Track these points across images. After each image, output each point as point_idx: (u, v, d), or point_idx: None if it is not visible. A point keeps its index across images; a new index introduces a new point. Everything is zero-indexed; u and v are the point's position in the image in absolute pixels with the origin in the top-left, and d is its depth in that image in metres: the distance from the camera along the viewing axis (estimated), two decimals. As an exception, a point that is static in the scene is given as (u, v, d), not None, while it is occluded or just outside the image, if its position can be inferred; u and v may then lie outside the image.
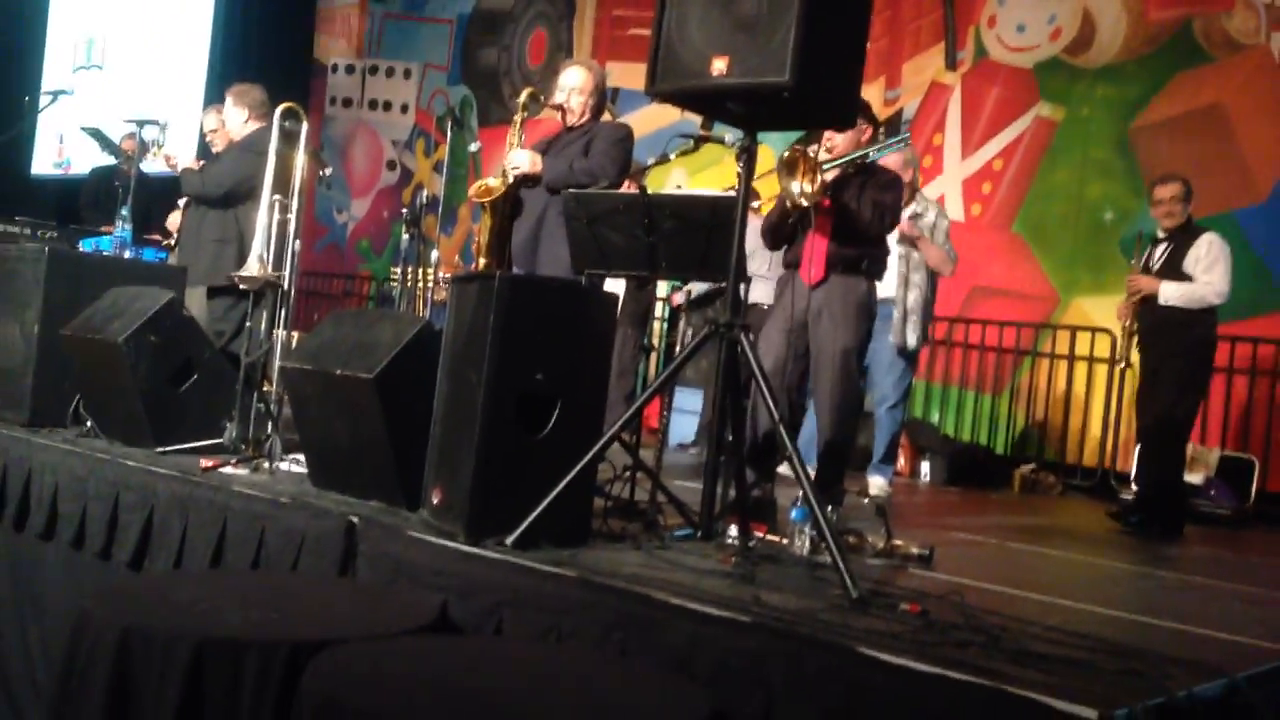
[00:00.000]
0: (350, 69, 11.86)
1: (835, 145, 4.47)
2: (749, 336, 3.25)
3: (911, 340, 5.79)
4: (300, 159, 4.33)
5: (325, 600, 2.90)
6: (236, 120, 5.55)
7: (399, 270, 4.96)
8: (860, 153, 4.45)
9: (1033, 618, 2.88)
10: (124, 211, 5.58)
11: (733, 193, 3.61)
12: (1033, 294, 7.77)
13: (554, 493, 3.12)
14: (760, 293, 5.74)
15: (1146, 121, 7.48)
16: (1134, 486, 6.06)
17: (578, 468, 3.17)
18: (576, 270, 3.82)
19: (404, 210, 4.97)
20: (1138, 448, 5.96)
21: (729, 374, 3.31)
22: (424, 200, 4.81)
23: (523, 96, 4.83)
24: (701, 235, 3.50)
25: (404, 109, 11.52)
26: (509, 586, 2.98)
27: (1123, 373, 6.93)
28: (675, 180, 8.25)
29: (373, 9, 11.82)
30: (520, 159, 4.66)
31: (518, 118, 4.79)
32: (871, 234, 4.43)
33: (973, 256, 7.91)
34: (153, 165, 6.47)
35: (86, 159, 12.51)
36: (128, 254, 5.56)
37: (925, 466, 7.06)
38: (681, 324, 5.50)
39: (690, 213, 3.52)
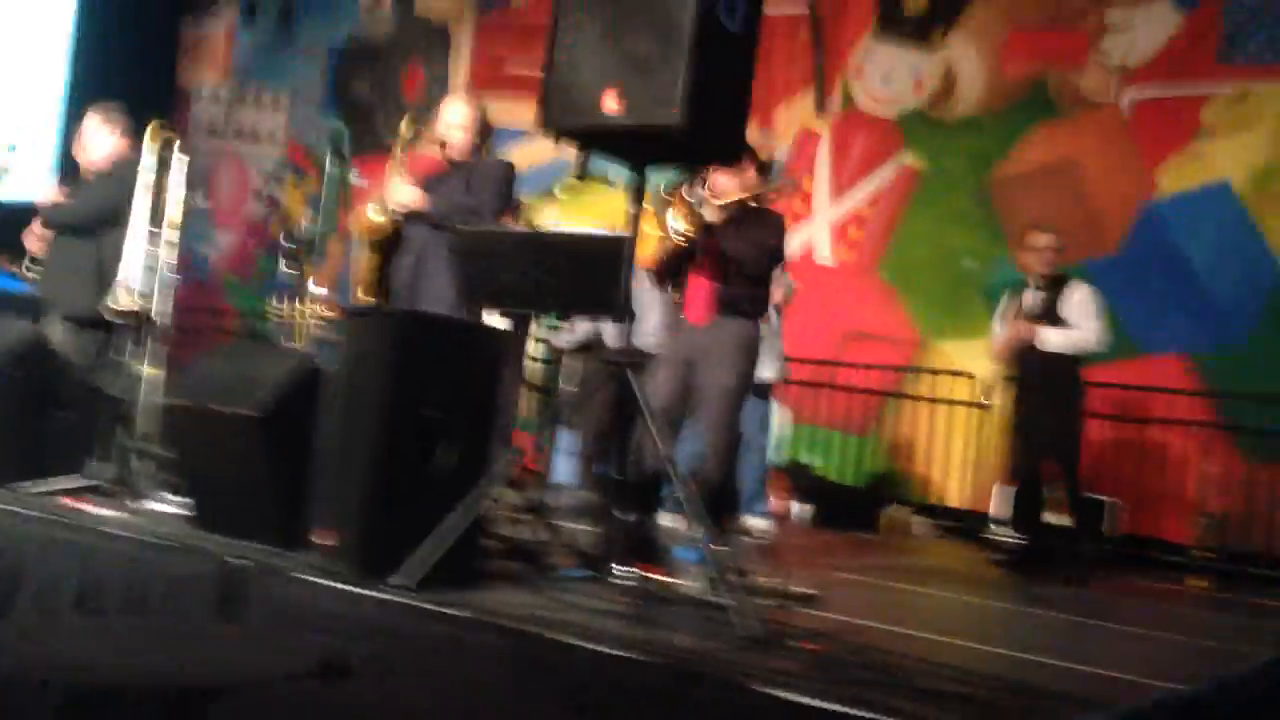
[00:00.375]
0: (217, 96, 11.59)
1: (718, 184, 4.51)
2: (638, 373, 3.26)
3: (767, 374, 5.87)
4: (178, 189, 4.19)
5: (207, 644, 2.79)
6: (102, 143, 5.32)
7: (275, 303, 4.81)
8: (746, 195, 4.51)
9: (925, 655, 2.95)
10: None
11: (616, 231, 3.63)
12: (899, 337, 8.00)
13: (446, 532, 3.08)
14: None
15: (1004, 173, 7.80)
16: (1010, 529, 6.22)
17: (466, 505, 3.13)
18: (464, 305, 3.78)
19: (284, 243, 4.83)
20: (1012, 489, 6.07)
21: (619, 408, 3.32)
22: (307, 231, 4.68)
23: (402, 128, 4.74)
24: (591, 273, 3.51)
25: (272, 138, 11.29)
26: (401, 628, 2.92)
27: (981, 413, 7.24)
28: (548, 215, 8.26)
29: (241, 37, 11.58)
30: (403, 194, 4.59)
31: (398, 151, 4.70)
32: (755, 274, 4.48)
33: (843, 300, 8.13)
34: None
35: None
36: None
37: (797, 508, 7.18)
38: (563, 366, 5.49)
39: (580, 251, 3.53)
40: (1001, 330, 5.82)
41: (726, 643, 2.84)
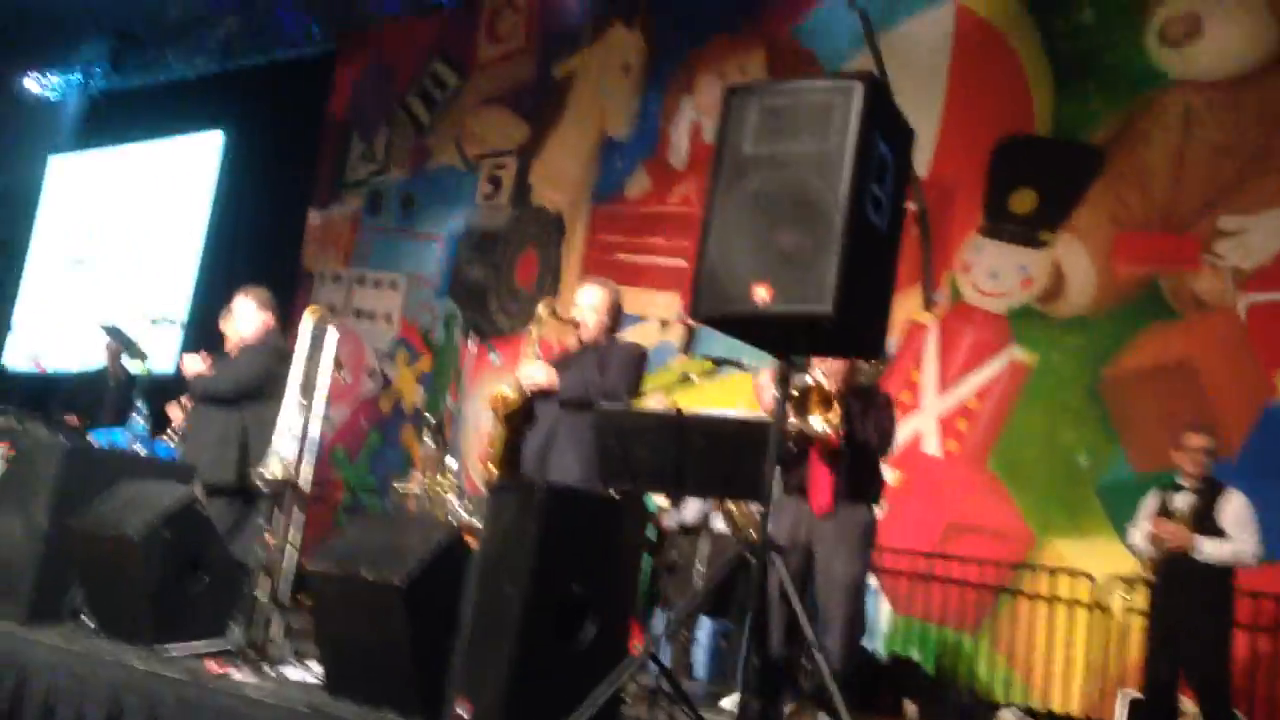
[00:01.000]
0: (338, 278, 12.14)
1: (829, 369, 4.59)
2: (782, 560, 3.30)
3: None
4: (327, 365, 4.41)
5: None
6: (253, 319, 5.64)
7: (406, 478, 4.97)
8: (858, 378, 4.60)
9: None
10: (140, 406, 5.60)
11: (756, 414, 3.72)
12: (1008, 533, 7.88)
13: (586, 708, 3.09)
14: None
15: (1117, 371, 7.79)
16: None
17: (610, 681, 3.15)
18: (600, 483, 3.87)
19: (428, 416, 5.02)
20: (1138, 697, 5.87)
21: (760, 594, 3.34)
22: (449, 408, 4.85)
23: (540, 309, 4.90)
24: (731, 455, 3.59)
25: (388, 319, 11.73)
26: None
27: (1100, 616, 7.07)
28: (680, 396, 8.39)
29: (365, 221, 12.20)
30: (536, 372, 4.75)
31: (534, 330, 4.88)
32: (877, 457, 4.54)
33: (949, 492, 8.07)
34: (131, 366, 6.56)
35: (60, 358, 12.59)
36: (140, 449, 5.55)
37: (911, 708, 6.99)
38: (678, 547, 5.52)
39: (721, 433, 3.62)
40: (1145, 529, 5.64)
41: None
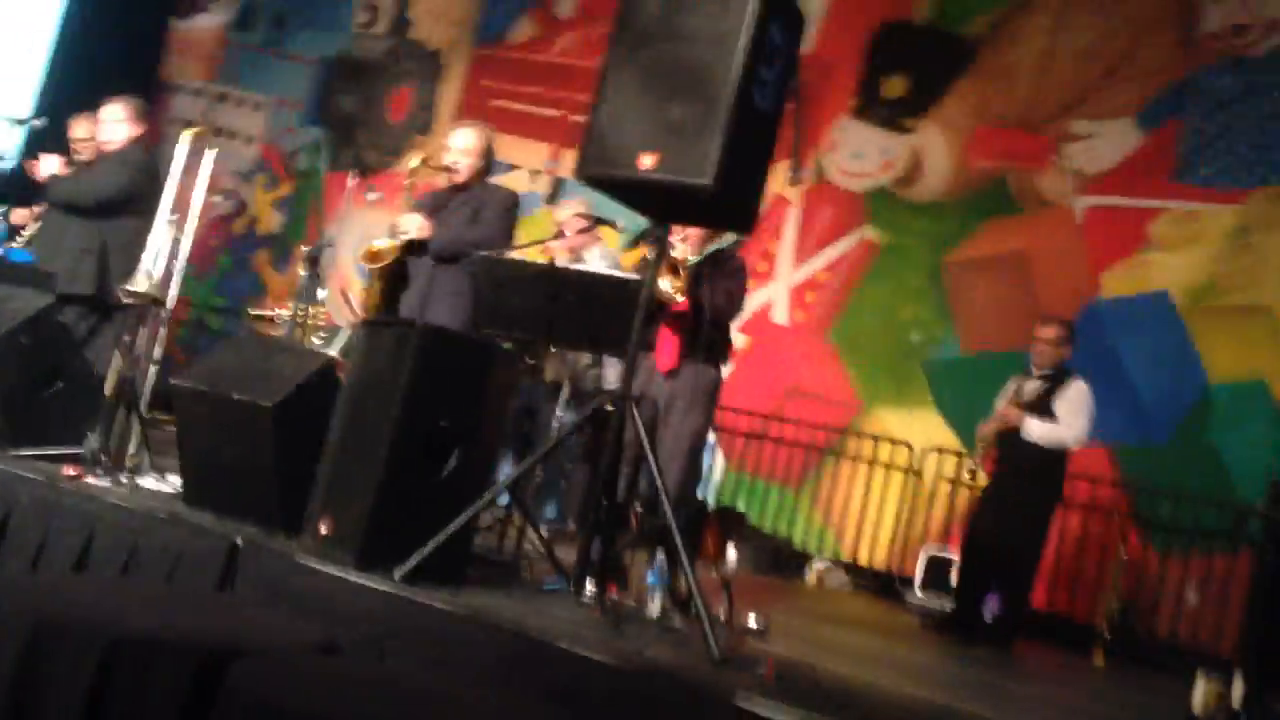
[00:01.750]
0: (198, 92, 11.72)
1: (688, 236, 4.77)
2: (642, 411, 3.54)
3: None
4: (203, 185, 4.39)
5: (227, 613, 2.98)
6: (121, 129, 5.50)
7: (293, 306, 5.00)
8: (714, 247, 4.80)
9: (864, 691, 3.24)
10: None
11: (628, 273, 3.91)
12: (840, 399, 8.34)
13: (447, 532, 3.31)
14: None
15: (958, 257, 8.22)
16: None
17: (471, 510, 3.37)
18: (474, 327, 4.02)
19: (306, 250, 5.02)
20: (957, 560, 6.36)
21: (616, 441, 3.58)
22: (326, 241, 4.88)
23: (414, 162, 4.91)
24: (601, 311, 3.79)
25: (248, 139, 11.43)
26: (396, 617, 3.14)
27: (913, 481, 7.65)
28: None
29: (232, 37, 11.74)
30: (410, 224, 4.78)
31: (407, 182, 4.90)
32: (723, 321, 4.74)
33: (792, 359, 8.48)
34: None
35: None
36: (-1, 252, 5.43)
37: (732, 553, 7.42)
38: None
39: (595, 290, 3.80)
40: (996, 407, 5.94)
41: (697, 660, 3.10)
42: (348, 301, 6.12)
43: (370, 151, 10.51)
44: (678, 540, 3.39)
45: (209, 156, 4.46)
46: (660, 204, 3.62)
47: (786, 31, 3.54)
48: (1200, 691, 4.03)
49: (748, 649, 3.52)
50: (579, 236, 5.83)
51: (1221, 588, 6.66)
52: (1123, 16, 7.94)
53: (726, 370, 5.89)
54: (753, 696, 2.72)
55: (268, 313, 6.88)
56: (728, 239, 4.90)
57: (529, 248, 4.37)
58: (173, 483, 4.07)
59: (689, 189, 3.36)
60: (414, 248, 4.78)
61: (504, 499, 4.04)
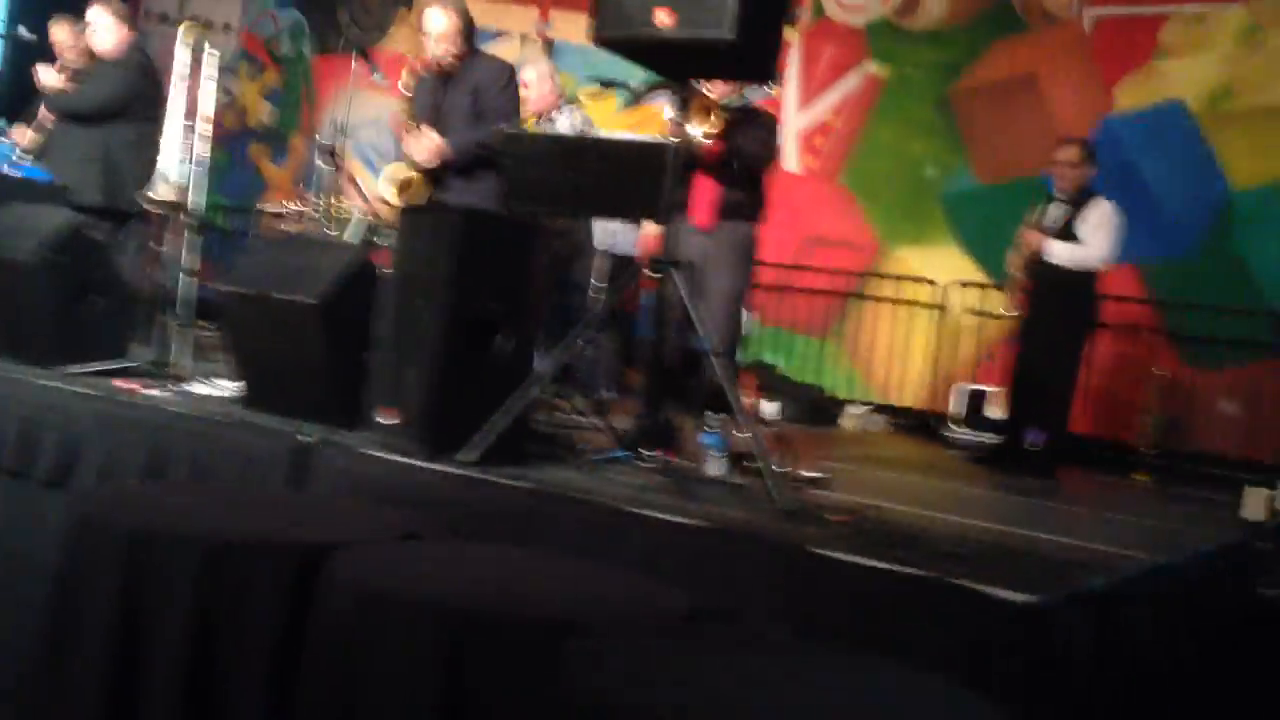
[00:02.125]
0: (167, -18, 11.39)
1: (714, 89, 4.68)
2: (687, 274, 3.53)
3: None
4: (210, 84, 4.31)
5: (311, 510, 3.03)
6: (113, 32, 5.36)
7: (311, 197, 4.94)
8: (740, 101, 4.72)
9: (929, 528, 3.31)
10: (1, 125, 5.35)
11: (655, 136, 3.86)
12: (858, 243, 8.32)
13: (513, 412, 3.35)
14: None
15: (966, 85, 8.09)
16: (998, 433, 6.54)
17: (529, 387, 3.40)
18: (508, 208, 3.98)
19: (321, 141, 4.94)
20: (1005, 391, 6.37)
21: (661, 309, 3.58)
22: (339, 129, 4.78)
23: (404, 77, 4.75)
24: (628, 176, 3.74)
25: (226, 28, 11.14)
26: (471, 500, 3.19)
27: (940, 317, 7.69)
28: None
29: (198, -76, 11.36)
30: (423, 153, 4.61)
31: (404, 108, 4.71)
32: (756, 171, 4.68)
33: (805, 207, 8.41)
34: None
35: None
36: (8, 170, 5.35)
37: (766, 405, 7.51)
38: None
39: (619, 156, 3.75)
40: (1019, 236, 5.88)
41: (768, 515, 3.16)
42: (357, 188, 6.06)
43: (354, 29, 10.25)
44: (736, 398, 3.42)
45: (211, 54, 4.35)
46: (680, 61, 3.56)
47: None
48: (1249, 499, 4.11)
49: (811, 499, 3.58)
50: (546, 99, 5.66)
51: (1258, 397, 6.74)
52: None
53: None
54: (829, 545, 2.78)
55: (278, 207, 6.82)
56: (753, 94, 4.81)
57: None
58: (224, 387, 4.10)
59: (709, 43, 3.30)
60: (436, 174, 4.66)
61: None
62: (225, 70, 11.12)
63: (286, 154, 10.83)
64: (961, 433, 6.90)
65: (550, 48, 9.31)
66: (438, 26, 4.68)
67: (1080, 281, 5.69)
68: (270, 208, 6.22)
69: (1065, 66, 7.73)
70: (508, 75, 4.84)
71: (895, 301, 8.08)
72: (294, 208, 6.27)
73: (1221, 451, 6.74)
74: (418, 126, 4.63)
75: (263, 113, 11.13)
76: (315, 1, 10.57)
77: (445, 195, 4.58)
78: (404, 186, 4.65)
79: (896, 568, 2.67)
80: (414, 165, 4.65)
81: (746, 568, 2.80)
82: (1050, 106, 7.76)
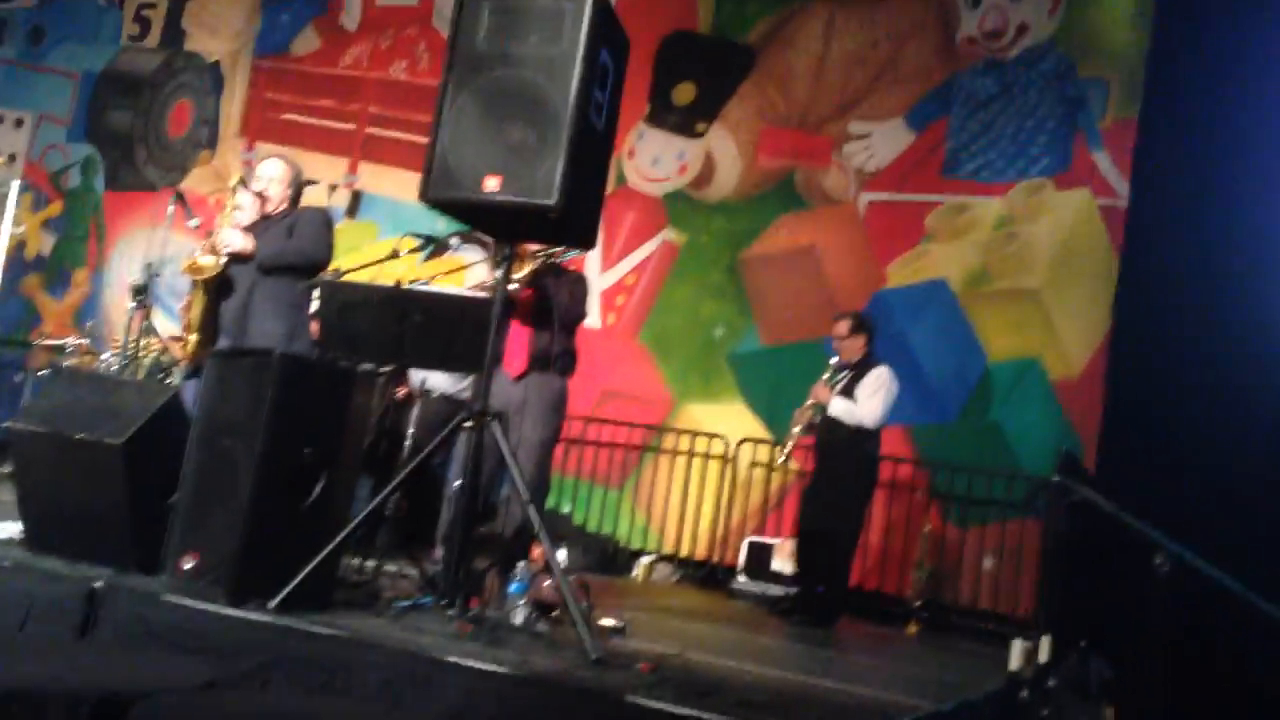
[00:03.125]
0: (-50, 112, 11.00)
1: (522, 250, 4.88)
2: (501, 424, 3.64)
3: None
4: (7, 219, 4.22)
5: (106, 658, 2.93)
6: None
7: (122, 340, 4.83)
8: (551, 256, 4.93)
9: (728, 676, 3.46)
10: None
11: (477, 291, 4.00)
12: (653, 398, 8.61)
13: (320, 557, 3.34)
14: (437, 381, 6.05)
15: (754, 253, 8.60)
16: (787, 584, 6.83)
17: (343, 535, 3.40)
18: (322, 352, 4.03)
19: (132, 281, 4.87)
20: (794, 543, 6.65)
21: (477, 458, 3.67)
22: (153, 270, 4.74)
23: (233, 182, 4.95)
24: (448, 330, 3.87)
25: (11, 159, 10.79)
26: (275, 647, 3.14)
27: (728, 471, 7.99)
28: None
29: (-17, 52, 11.08)
30: (233, 239, 4.80)
31: (230, 201, 4.90)
32: (568, 321, 4.87)
33: (604, 362, 8.67)
34: None
35: None
36: None
37: (562, 554, 7.57)
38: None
39: (441, 310, 3.88)
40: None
41: (577, 663, 3.24)
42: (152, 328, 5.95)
43: (151, 168, 10.11)
44: (549, 545, 3.51)
45: (15, 186, 4.27)
46: (506, 224, 3.73)
47: (615, 53, 3.71)
48: (1017, 652, 4.42)
49: (613, 647, 3.67)
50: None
51: (1016, 555, 7.25)
52: (885, 25, 8.48)
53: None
54: (641, 694, 2.88)
55: (56, 341, 6.60)
56: (565, 254, 5.03)
57: (368, 267, 4.40)
58: (9, 529, 3.91)
59: (535, 209, 3.50)
60: (235, 259, 4.77)
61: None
62: (2, 199, 10.79)
63: (68, 286, 10.44)
64: (747, 584, 7.13)
65: (357, 199, 9.44)
66: (275, 171, 5.04)
67: (861, 441, 6.10)
68: (47, 341, 6.01)
69: (843, 243, 8.33)
70: (324, 217, 5.06)
71: (689, 454, 8.35)
72: (73, 341, 6.09)
73: (983, 604, 7.20)
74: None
75: (43, 245, 10.75)
76: (111, 137, 10.39)
77: (252, 321, 4.64)
78: (199, 269, 4.73)
79: (703, 715, 2.78)
80: (214, 249, 4.77)
81: (560, 717, 2.86)
82: (830, 277, 8.32)
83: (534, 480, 4.68)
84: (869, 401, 6.07)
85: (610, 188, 8.83)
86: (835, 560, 6.02)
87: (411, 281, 4.90)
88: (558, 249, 4.84)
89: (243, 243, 4.78)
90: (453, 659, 3.02)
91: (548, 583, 3.88)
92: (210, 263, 4.69)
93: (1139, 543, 4.34)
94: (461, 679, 2.97)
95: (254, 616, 3.21)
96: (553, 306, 4.68)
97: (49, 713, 2.48)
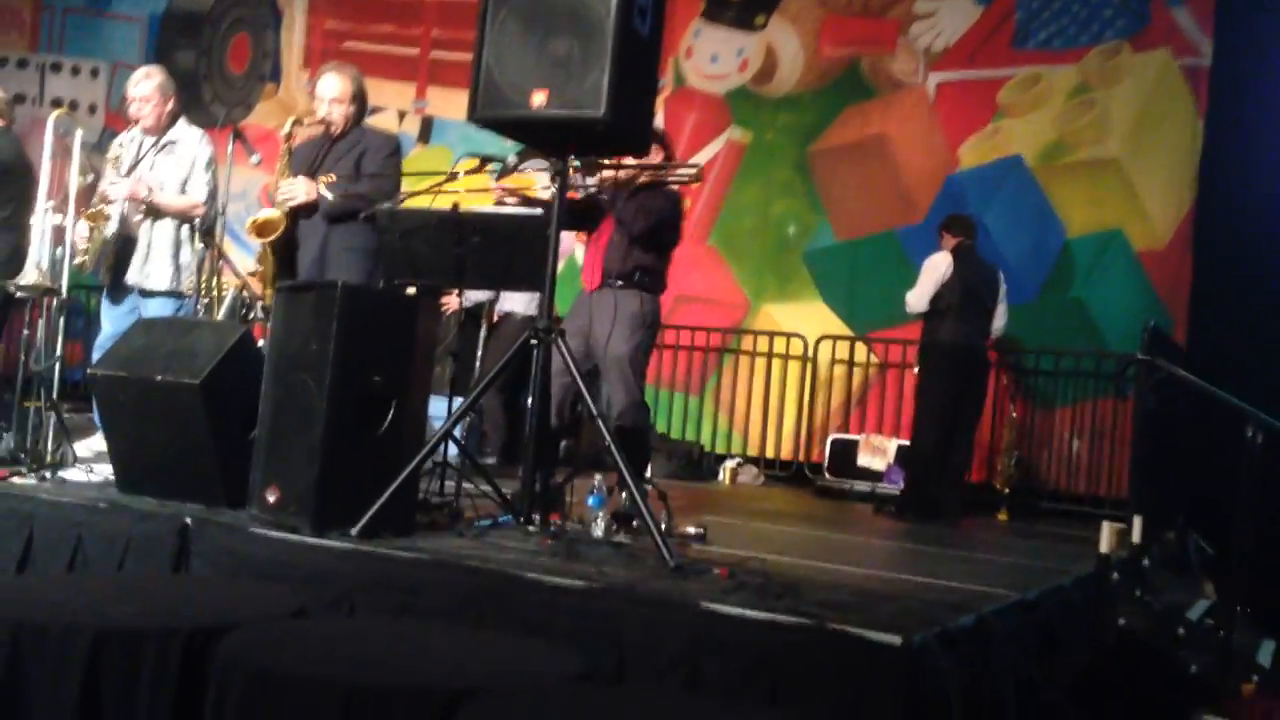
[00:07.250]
0: (24, 63, 11.14)
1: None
2: (564, 341, 3.64)
3: None
4: (77, 170, 4.29)
5: (197, 592, 3.03)
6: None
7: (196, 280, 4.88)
8: (636, 166, 4.75)
9: (809, 576, 3.46)
10: None
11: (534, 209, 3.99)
12: (727, 301, 8.56)
13: (395, 484, 3.40)
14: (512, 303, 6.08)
15: (821, 147, 8.44)
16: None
17: (415, 462, 3.46)
18: (384, 279, 4.05)
19: (197, 221, 4.89)
20: (862, 440, 6.74)
21: (546, 375, 3.68)
22: (217, 210, 4.75)
23: (287, 126, 4.76)
24: (506, 249, 3.86)
25: (92, 110, 10.94)
26: (359, 573, 3.23)
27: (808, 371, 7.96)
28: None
29: (50, 3, 11.16)
30: (295, 189, 4.60)
31: (284, 147, 4.71)
32: (642, 242, 4.69)
33: (676, 267, 8.59)
34: None
35: None
36: None
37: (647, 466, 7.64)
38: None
39: (498, 229, 3.87)
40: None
41: (655, 573, 3.27)
42: (229, 264, 6.01)
43: (217, 106, 10.18)
44: (621, 461, 3.52)
45: (79, 136, 4.34)
46: (556, 138, 3.70)
47: (659, -43, 3.62)
48: (1107, 534, 4.38)
49: (693, 555, 3.70)
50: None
51: (1106, 436, 7.12)
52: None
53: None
54: (717, 599, 2.89)
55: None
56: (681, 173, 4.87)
57: (425, 193, 4.33)
58: (100, 472, 4.05)
59: (583, 121, 3.45)
60: (301, 211, 4.64)
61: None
62: (92, 150, 10.94)
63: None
64: (834, 482, 7.13)
65: (429, 124, 9.42)
66: (333, 90, 4.74)
67: (931, 330, 6.24)
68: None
69: (913, 128, 8.13)
70: (392, 145, 4.84)
71: (767, 356, 8.31)
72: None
73: (1072, 487, 7.12)
74: (294, 175, 4.66)
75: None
76: (179, 78, 10.44)
77: (328, 272, 4.55)
78: (263, 229, 4.59)
79: (778, 618, 2.79)
80: (277, 202, 4.64)
81: (635, 626, 2.89)
82: (900, 165, 8.15)
83: (619, 397, 4.56)
84: (916, 287, 6.18)
85: (669, 89, 8.80)
86: (918, 454, 6.05)
87: (498, 202, 4.70)
88: (659, 171, 4.67)
89: (305, 192, 4.59)
90: (531, 575, 3.06)
91: (624, 494, 3.92)
92: (274, 217, 4.55)
93: (1231, 416, 4.24)
94: (539, 594, 3.02)
95: (337, 544, 3.29)
96: (625, 231, 4.51)
97: (145, 646, 2.57)
